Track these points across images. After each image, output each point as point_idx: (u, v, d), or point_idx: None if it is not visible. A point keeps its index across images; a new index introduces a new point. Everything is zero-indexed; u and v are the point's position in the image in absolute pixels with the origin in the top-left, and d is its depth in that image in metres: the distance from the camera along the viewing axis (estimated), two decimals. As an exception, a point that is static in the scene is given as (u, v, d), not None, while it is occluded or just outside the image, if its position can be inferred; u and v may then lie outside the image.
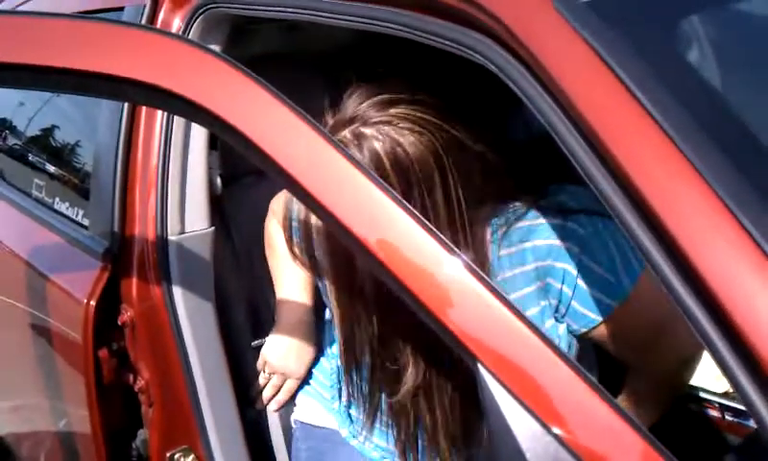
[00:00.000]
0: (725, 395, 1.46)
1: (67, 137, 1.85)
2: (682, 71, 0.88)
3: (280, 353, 1.49)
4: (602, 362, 1.36)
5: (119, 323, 1.43)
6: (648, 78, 0.78)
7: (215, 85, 0.95)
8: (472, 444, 1.23)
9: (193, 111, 0.95)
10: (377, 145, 1.07)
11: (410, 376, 1.17)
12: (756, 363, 0.70)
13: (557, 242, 1.14)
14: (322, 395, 1.48)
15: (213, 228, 1.48)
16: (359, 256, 0.90)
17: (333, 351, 1.45)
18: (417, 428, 1.24)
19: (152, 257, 1.42)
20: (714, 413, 1.48)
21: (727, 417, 1.46)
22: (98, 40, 1.02)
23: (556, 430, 0.76)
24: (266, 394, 1.53)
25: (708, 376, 1.50)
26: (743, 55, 1.08)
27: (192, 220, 1.45)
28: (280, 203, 1.49)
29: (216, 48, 1.40)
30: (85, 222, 1.60)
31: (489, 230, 1.19)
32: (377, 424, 1.38)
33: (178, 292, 1.42)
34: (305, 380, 1.52)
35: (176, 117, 1.41)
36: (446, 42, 0.94)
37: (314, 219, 1.23)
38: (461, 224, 1.11)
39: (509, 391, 0.76)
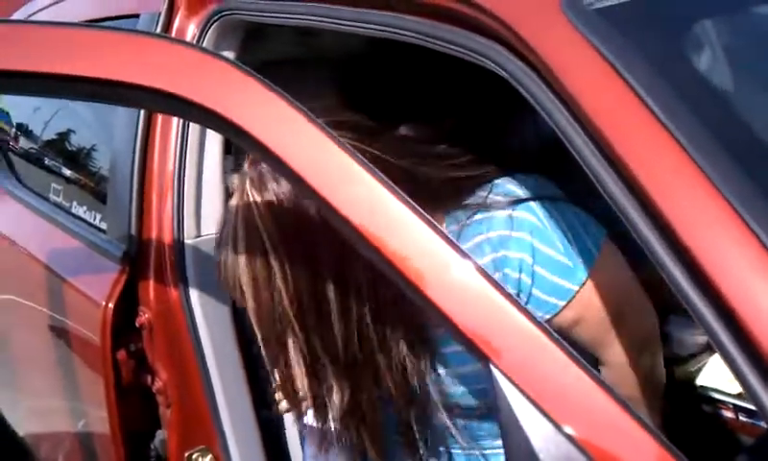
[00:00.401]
0: (738, 396, 1.46)
1: (84, 142, 1.87)
2: (689, 75, 0.89)
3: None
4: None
5: (137, 325, 1.45)
6: (656, 82, 0.79)
7: (230, 93, 0.97)
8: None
9: (209, 119, 0.97)
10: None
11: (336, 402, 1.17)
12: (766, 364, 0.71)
13: (509, 232, 1.14)
14: None
15: (229, 231, 1.49)
16: (374, 261, 0.91)
17: None
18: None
19: (169, 260, 1.44)
20: (728, 414, 1.47)
21: (740, 418, 1.45)
22: (115, 49, 1.04)
23: (568, 430, 0.77)
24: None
25: (721, 378, 1.50)
26: (751, 58, 1.08)
27: (208, 223, 1.47)
28: None
29: (230, 54, 1.42)
30: (103, 226, 1.62)
31: (442, 226, 1.18)
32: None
33: (194, 294, 1.44)
34: None
35: (191, 122, 1.43)
36: (457, 48, 0.96)
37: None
38: None
39: (521, 391, 0.77)
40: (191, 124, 1.44)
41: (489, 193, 1.17)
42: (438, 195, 1.17)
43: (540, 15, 0.87)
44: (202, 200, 1.46)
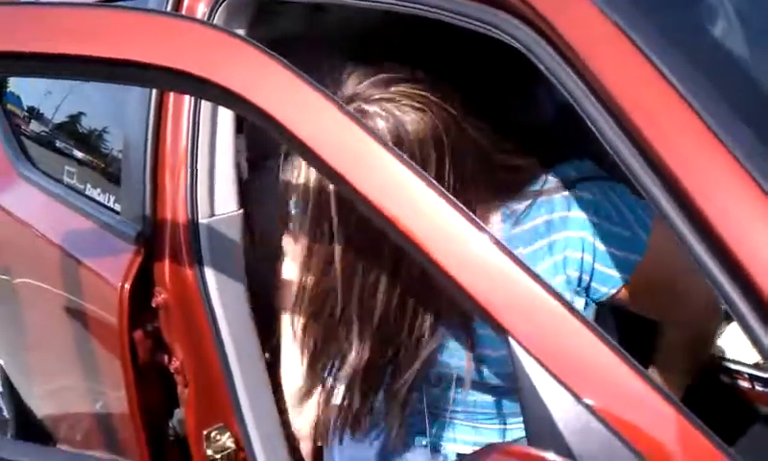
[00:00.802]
0: (755, 365, 1.47)
1: (96, 124, 1.87)
2: (707, 46, 0.88)
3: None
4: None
5: (153, 305, 1.46)
6: (674, 54, 0.79)
7: (244, 71, 0.96)
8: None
9: (224, 97, 0.97)
10: (381, 123, 1.07)
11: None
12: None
13: (569, 213, 1.16)
14: None
15: (242, 210, 1.50)
16: (390, 234, 0.91)
17: None
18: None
19: (183, 240, 1.44)
20: (744, 383, 1.48)
21: (756, 387, 1.46)
22: (126, 28, 1.04)
23: (587, 400, 0.77)
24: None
25: (738, 348, 1.50)
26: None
27: (221, 203, 1.47)
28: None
29: (241, 31, 1.41)
30: (117, 207, 1.63)
31: (498, 212, 1.21)
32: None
33: (210, 274, 1.44)
34: None
35: (203, 101, 1.43)
36: (475, 22, 0.95)
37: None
38: None
39: (540, 363, 0.77)
40: (203, 103, 1.44)
41: (548, 174, 1.19)
42: (501, 182, 1.19)
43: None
44: (215, 179, 1.46)
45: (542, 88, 1.37)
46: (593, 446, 0.76)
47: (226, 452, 1.48)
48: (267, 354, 1.53)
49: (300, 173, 1.17)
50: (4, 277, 2.10)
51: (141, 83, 1.33)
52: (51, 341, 1.99)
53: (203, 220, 1.45)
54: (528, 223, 1.18)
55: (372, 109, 1.08)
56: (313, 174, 1.13)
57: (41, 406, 2.29)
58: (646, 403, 0.78)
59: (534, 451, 0.77)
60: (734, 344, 1.51)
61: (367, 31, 1.71)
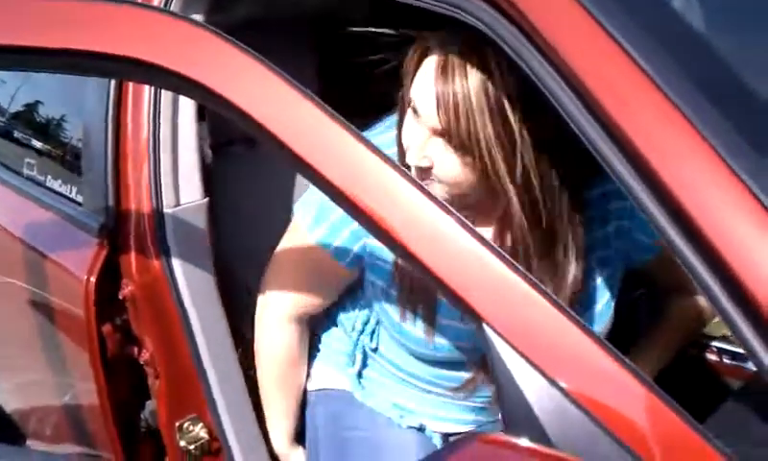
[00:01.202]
0: (723, 338, 1.48)
1: (55, 113, 1.83)
2: (679, 32, 0.89)
3: None
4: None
5: (120, 297, 1.44)
6: (646, 41, 0.79)
7: (202, 57, 0.95)
8: None
9: (183, 85, 0.95)
10: None
11: None
12: (755, 308, 0.72)
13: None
14: (336, 360, 1.49)
15: (207, 198, 1.48)
16: (358, 221, 0.91)
17: (355, 323, 1.45)
18: None
19: (149, 231, 1.42)
20: (712, 357, 1.50)
21: (725, 360, 1.48)
22: (79, 17, 1.01)
23: (561, 384, 0.77)
24: None
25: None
26: (742, 12, 1.08)
27: (186, 191, 1.45)
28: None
29: (198, 17, 1.39)
30: (80, 198, 1.60)
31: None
32: (397, 381, 1.41)
33: (177, 264, 1.43)
34: (319, 347, 1.52)
35: (164, 90, 1.41)
36: (445, 6, 0.94)
37: None
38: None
39: (514, 348, 0.77)
40: (163, 91, 1.41)
41: None
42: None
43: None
44: (179, 168, 1.44)
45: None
46: (568, 428, 0.77)
47: (199, 443, 1.47)
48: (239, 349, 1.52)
49: None
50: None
51: (98, 73, 1.30)
52: (18, 336, 1.95)
53: (167, 209, 1.43)
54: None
55: None
56: None
57: (9, 401, 2.25)
58: (618, 384, 0.79)
59: (512, 439, 0.77)
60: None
61: (326, 13, 1.70)
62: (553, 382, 0.78)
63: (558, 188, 1.14)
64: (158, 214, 1.42)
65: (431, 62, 1.11)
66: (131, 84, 1.43)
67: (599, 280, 1.28)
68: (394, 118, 1.26)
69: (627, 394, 0.80)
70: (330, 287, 1.41)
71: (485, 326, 0.78)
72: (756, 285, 0.71)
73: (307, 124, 0.91)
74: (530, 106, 1.03)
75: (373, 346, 1.42)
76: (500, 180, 1.09)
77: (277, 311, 1.42)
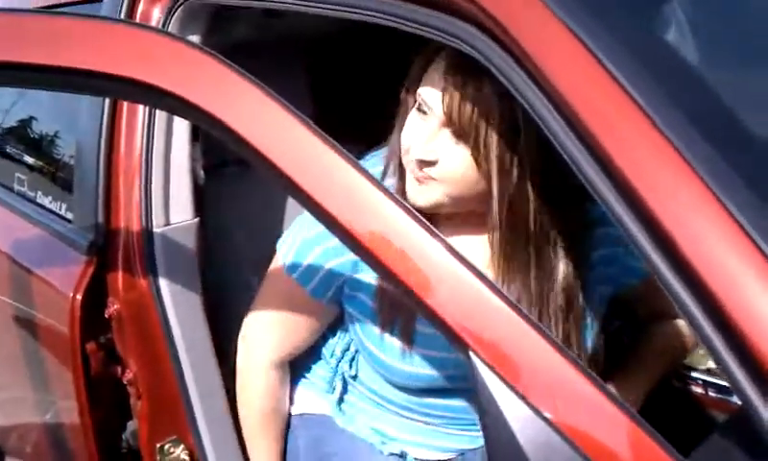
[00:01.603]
0: (708, 371, 1.49)
1: (48, 130, 1.83)
2: (667, 59, 0.89)
3: None
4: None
5: (106, 316, 1.43)
6: (633, 67, 0.79)
7: (199, 79, 0.95)
8: None
9: (178, 106, 0.95)
10: None
11: None
12: (742, 343, 0.72)
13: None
14: (317, 385, 1.48)
15: (198, 219, 1.48)
16: (344, 243, 0.91)
17: (335, 349, 1.45)
18: None
19: (137, 250, 1.41)
20: (698, 390, 1.50)
21: (710, 393, 1.48)
22: (76, 35, 1.01)
23: (547, 415, 0.77)
24: None
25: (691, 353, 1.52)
26: (728, 39, 1.09)
27: (176, 211, 1.45)
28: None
29: (196, 38, 1.40)
30: (69, 215, 1.59)
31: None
32: (375, 407, 1.41)
33: (164, 284, 1.42)
34: (303, 374, 1.52)
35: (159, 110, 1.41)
36: (431, 31, 0.95)
37: None
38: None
39: (500, 377, 0.77)
40: (157, 110, 1.41)
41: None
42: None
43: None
44: (170, 188, 1.44)
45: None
46: (553, 458, 0.77)
47: (180, 465, 1.46)
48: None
49: None
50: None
51: (93, 92, 1.31)
52: (1, 352, 1.94)
53: (157, 229, 1.42)
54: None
55: None
56: None
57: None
58: (604, 416, 0.79)
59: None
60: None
61: (320, 36, 1.71)
62: (538, 412, 0.77)
63: (548, 206, 1.16)
64: (148, 233, 1.42)
65: (441, 59, 1.14)
66: (125, 103, 1.44)
67: (587, 304, 1.29)
68: (379, 152, 1.29)
69: (612, 426, 0.79)
70: (313, 327, 1.41)
71: (471, 354, 0.78)
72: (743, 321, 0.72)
73: (302, 149, 0.91)
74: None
75: (353, 373, 1.42)
76: (492, 178, 1.12)
77: (261, 358, 1.42)
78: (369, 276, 1.27)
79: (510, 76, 0.87)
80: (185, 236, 1.45)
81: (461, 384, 1.31)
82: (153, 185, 1.42)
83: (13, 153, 1.92)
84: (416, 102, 1.17)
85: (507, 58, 0.86)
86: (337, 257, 1.28)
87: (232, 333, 1.59)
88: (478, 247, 1.25)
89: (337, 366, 1.43)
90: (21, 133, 1.93)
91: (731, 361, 0.72)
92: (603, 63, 0.80)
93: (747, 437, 0.78)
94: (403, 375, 1.32)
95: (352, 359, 1.42)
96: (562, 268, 1.21)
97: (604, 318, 1.34)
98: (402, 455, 1.41)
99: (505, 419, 0.77)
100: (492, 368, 0.77)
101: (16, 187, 1.82)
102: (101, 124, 1.45)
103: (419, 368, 1.29)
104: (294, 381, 1.51)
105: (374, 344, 1.32)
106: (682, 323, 1.39)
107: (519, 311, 0.80)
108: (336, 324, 1.43)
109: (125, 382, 1.45)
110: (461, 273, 0.82)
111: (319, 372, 1.49)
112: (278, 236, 1.41)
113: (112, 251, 1.43)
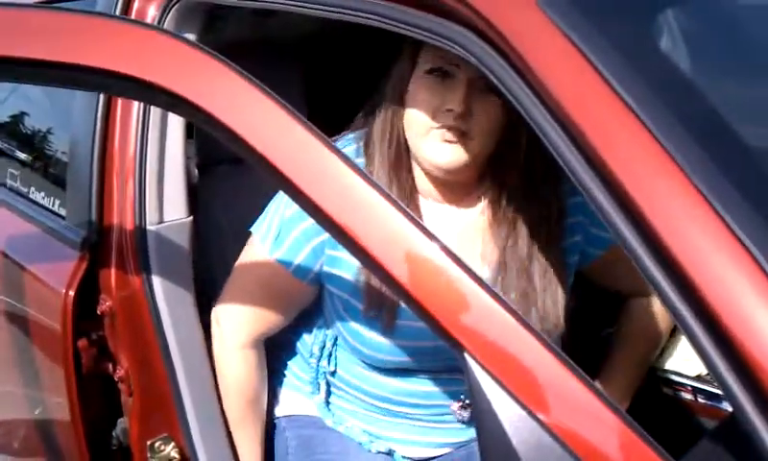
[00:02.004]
0: (697, 378, 1.49)
1: (42, 126, 1.83)
2: (660, 64, 0.90)
3: None
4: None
5: (98, 312, 1.43)
6: (627, 71, 0.80)
7: (195, 77, 0.95)
8: None
9: (175, 103, 0.96)
10: None
11: None
12: (733, 347, 0.72)
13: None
14: (301, 388, 1.49)
15: (191, 217, 1.48)
16: (339, 242, 0.91)
17: (312, 348, 1.45)
18: None
19: (130, 247, 1.41)
20: (687, 396, 1.50)
21: (700, 400, 1.48)
22: (73, 30, 1.01)
23: (540, 416, 0.77)
24: None
25: (678, 359, 1.53)
26: (720, 45, 1.10)
27: (170, 209, 1.45)
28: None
29: (191, 36, 1.40)
30: (62, 211, 1.59)
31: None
32: (360, 405, 1.41)
33: (157, 281, 1.42)
34: (284, 376, 1.52)
35: (152, 106, 1.41)
36: (424, 33, 0.95)
37: None
38: None
39: (493, 377, 0.78)
40: (152, 108, 1.41)
41: None
42: None
43: (511, 1, 0.88)
44: (164, 185, 1.44)
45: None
46: (545, 460, 0.77)
47: (170, 463, 1.45)
48: None
49: None
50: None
51: (91, 88, 1.31)
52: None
53: (151, 226, 1.42)
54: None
55: None
56: None
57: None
58: (596, 417, 0.80)
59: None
60: (676, 355, 1.54)
61: (314, 35, 1.71)
62: (531, 414, 0.78)
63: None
64: (141, 230, 1.41)
65: None
66: (119, 100, 1.43)
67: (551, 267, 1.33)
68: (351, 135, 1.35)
69: (604, 428, 0.80)
70: (290, 306, 1.42)
71: (466, 354, 0.78)
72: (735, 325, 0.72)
73: (297, 146, 0.91)
74: None
75: (332, 369, 1.43)
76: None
77: (235, 340, 1.42)
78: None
79: (503, 79, 0.87)
80: (179, 234, 1.45)
81: (440, 364, 1.32)
82: (147, 183, 1.42)
83: (5, 147, 1.91)
84: (430, 69, 1.21)
85: (500, 59, 0.87)
86: (317, 236, 1.30)
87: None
88: (458, 219, 1.33)
89: (318, 365, 1.44)
90: (13, 127, 1.93)
91: (722, 366, 0.73)
92: (594, 65, 0.81)
93: (736, 443, 0.78)
94: (384, 349, 1.32)
95: (330, 355, 1.43)
96: (537, 225, 1.29)
97: (590, 329, 1.37)
98: (390, 453, 1.41)
99: (498, 419, 0.77)
100: (485, 368, 0.78)
101: (9, 182, 1.81)
102: (95, 120, 1.45)
103: (400, 340, 1.30)
104: (278, 385, 1.52)
105: (356, 320, 1.33)
106: (655, 300, 1.44)
107: (515, 313, 0.81)
108: (311, 321, 1.44)
109: (116, 379, 1.45)
110: (457, 274, 0.82)
111: (301, 374, 1.49)
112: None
113: (105, 248, 1.43)
